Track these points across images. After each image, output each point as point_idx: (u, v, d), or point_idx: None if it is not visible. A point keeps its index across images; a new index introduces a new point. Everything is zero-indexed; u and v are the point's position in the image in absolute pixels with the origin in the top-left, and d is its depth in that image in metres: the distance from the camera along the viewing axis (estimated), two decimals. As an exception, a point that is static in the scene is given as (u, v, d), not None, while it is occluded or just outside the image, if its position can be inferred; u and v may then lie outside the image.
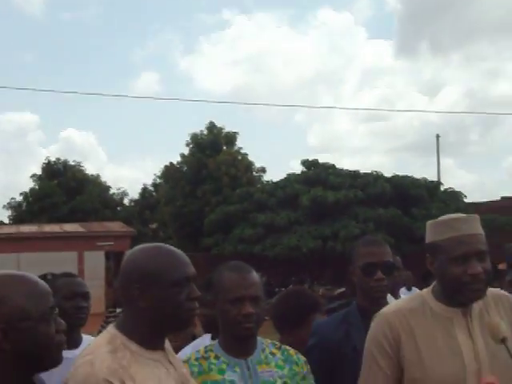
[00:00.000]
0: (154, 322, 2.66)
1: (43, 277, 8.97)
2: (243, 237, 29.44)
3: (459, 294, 3.00)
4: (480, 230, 3.07)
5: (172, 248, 2.75)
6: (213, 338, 4.21)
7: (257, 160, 46.55)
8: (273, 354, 3.29)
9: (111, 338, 2.67)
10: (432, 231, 3.11)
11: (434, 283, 3.17)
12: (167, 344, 2.82)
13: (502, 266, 11.16)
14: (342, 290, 24.08)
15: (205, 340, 4.38)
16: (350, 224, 27.56)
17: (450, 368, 2.97)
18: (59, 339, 2.43)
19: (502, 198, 33.45)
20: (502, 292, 3.31)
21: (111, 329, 2.73)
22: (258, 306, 3.19)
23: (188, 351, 3.97)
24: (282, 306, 4.30)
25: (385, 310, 3.18)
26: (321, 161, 31.52)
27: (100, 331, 7.98)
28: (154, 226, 41.64)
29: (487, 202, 32.84)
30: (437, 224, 3.11)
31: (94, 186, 41.27)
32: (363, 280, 3.89)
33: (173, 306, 2.64)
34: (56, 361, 2.45)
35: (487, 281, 3.04)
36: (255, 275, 3.26)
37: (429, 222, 3.17)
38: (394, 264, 3.92)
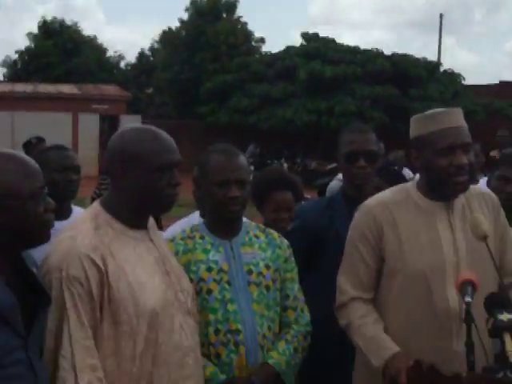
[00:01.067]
0: (135, 202, 2.74)
1: (28, 143, 9.01)
2: (239, 107, 29.31)
3: (444, 186, 3.05)
4: (464, 123, 3.10)
5: (160, 133, 2.78)
6: (201, 216, 4.27)
7: (256, 30, 45.90)
8: (257, 236, 3.36)
9: (95, 215, 2.74)
10: (416, 126, 3.14)
11: (419, 177, 3.21)
12: (151, 222, 2.89)
13: (493, 154, 11.17)
14: (334, 165, 24.23)
15: (194, 216, 4.44)
16: (346, 100, 27.40)
17: (430, 260, 3.05)
18: (47, 218, 2.48)
19: (501, 82, 33.17)
20: (487, 190, 3.36)
21: (96, 205, 2.79)
22: (244, 189, 3.24)
23: (176, 228, 4.03)
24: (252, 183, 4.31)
25: (369, 201, 3.24)
26: (321, 34, 31.04)
27: (93, 198, 8.10)
28: (149, 90, 41.36)
29: (485, 86, 32.59)
30: (421, 118, 3.14)
31: (91, 48, 40.70)
32: (346, 167, 3.94)
33: (153, 190, 2.71)
34: (44, 238, 2.50)
35: (472, 173, 3.10)
36: (243, 159, 3.29)
37: (413, 117, 3.19)
38: (378, 152, 3.94)
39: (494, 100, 29.08)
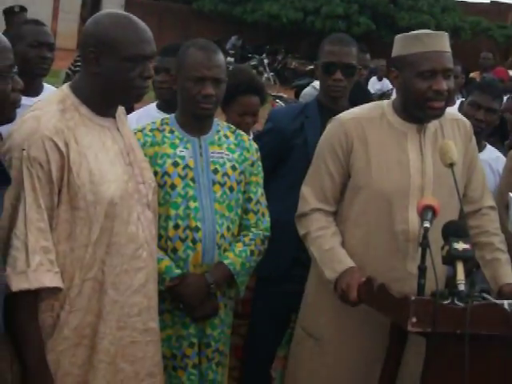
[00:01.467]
0: (104, 90, 2.68)
1: (10, 10, 8.76)
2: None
3: (420, 110, 3.03)
4: (448, 48, 3.06)
5: (137, 22, 2.71)
6: (158, 107, 4.22)
7: None
8: (226, 136, 3.34)
9: (63, 98, 2.69)
10: (400, 44, 3.09)
11: (395, 96, 3.19)
12: (120, 112, 2.85)
13: (474, 75, 11.09)
14: (313, 67, 24.00)
15: (150, 107, 4.35)
16: (334, 1, 26.98)
17: (395, 181, 3.06)
18: (14, 97, 2.44)
19: (492, 1, 32.82)
20: (461, 116, 3.34)
21: (65, 88, 2.74)
22: (219, 88, 3.20)
23: (132, 117, 3.97)
24: None
25: (343, 115, 3.21)
26: None
27: (67, 74, 7.98)
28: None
29: (476, 4, 32.24)
30: (406, 37, 3.09)
31: None
32: (323, 77, 3.90)
33: (123, 79, 2.66)
34: (10, 117, 2.47)
35: (449, 99, 3.08)
36: (221, 57, 3.24)
37: (397, 36, 3.14)
38: (355, 66, 3.86)
39: (482, 19, 28.80)
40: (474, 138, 3.28)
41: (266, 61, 25.69)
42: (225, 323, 3.34)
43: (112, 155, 2.71)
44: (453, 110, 3.48)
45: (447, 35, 3.09)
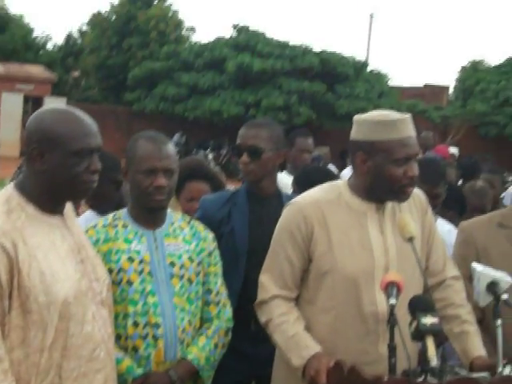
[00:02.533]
0: (50, 187, 2.62)
1: None
2: (166, 95, 29.03)
3: (394, 194, 3.02)
4: (414, 131, 3.07)
5: (81, 116, 2.67)
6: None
7: (187, 19, 45.68)
8: (181, 228, 3.29)
9: (8, 198, 2.61)
10: (368, 129, 3.02)
11: (353, 177, 3.14)
12: (68, 209, 2.78)
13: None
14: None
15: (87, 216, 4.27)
16: (273, 94, 27.43)
17: (360, 261, 3.01)
18: None
19: (426, 85, 33.75)
20: (415, 190, 3.33)
21: (10, 188, 2.67)
22: (171, 178, 3.16)
23: (87, 215, 3.91)
24: None
25: (300, 199, 3.16)
26: (252, 27, 30.97)
27: (13, 179, 7.87)
28: (76, 73, 40.68)
29: (411, 88, 33.12)
30: (375, 123, 3.02)
31: (17, 27, 39.77)
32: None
33: (69, 175, 2.60)
34: None
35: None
36: (171, 147, 3.21)
37: (361, 118, 3.08)
38: (260, 149, 3.73)
39: (419, 102, 29.55)
40: (430, 210, 3.27)
41: (210, 156, 25.88)
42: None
43: (63, 254, 2.63)
44: None
45: (411, 119, 3.08)
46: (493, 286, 2.85)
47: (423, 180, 4.08)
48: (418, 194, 3.27)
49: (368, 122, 3.04)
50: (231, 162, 26.29)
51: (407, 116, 3.06)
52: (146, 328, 3.07)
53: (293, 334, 2.99)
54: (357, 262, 3.01)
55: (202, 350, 3.16)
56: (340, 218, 3.07)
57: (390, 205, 3.10)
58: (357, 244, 3.04)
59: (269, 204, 3.71)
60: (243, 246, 3.66)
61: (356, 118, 3.10)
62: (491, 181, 6.33)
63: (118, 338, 3.00)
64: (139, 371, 3.04)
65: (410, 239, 2.86)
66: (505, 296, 2.80)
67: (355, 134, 3.07)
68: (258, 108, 27.35)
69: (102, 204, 4.08)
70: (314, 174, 4.46)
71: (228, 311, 3.32)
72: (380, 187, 3.03)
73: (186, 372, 3.10)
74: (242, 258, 3.63)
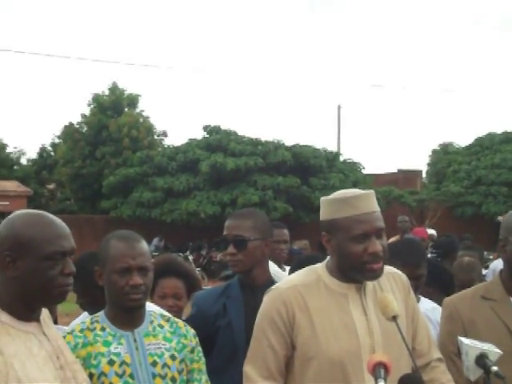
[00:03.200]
0: (24, 293, 2.56)
1: None
2: (142, 200, 29.13)
3: (359, 273, 2.98)
4: (377, 207, 3.04)
5: (52, 218, 2.63)
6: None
7: (158, 123, 46.19)
8: (161, 326, 3.22)
9: None
10: (329, 208, 3.05)
11: (328, 259, 3.13)
12: (44, 314, 2.71)
13: (394, 239, 11.33)
14: (239, 256, 24.20)
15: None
16: (248, 191, 27.60)
17: (345, 344, 2.95)
18: None
19: (399, 170, 34.15)
20: (395, 270, 3.30)
21: None
22: (147, 276, 3.11)
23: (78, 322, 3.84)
24: None
25: (279, 285, 3.13)
26: (223, 127, 31.37)
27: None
28: (51, 186, 40.79)
29: (384, 174, 33.48)
30: (334, 201, 3.05)
31: (-11, 144, 40.06)
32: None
33: (43, 280, 2.55)
34: None
35: (386, 258, 3.03)
36: (144, 245, 3.18)
37: (324, 199, 3.11)
38: (245, 238, 3.78)
39: (393, 188, 29.82)
40: (411, 291, 3.24)
41: (190, 257, 25.77)
42: None
43: (40, 361, 2.55)
44: None
45: (374, 193, 3.08)
46: (482, 359, 2.79)
47: (404, 263, 4.06)
48: (399, 274, 3.24)
49: (328, 202, 3.07)
50: (212, 262, 26.22)
51: (366, 192, 3.06)
52: None
53: None
54: (342, 344, 2.95)
55: None
56: (321, 301, 3.02)
57: (371, 285, 3.06)
58: (340, 326, 2.98)
59: (263, 293, 3.68)
60: (241, 337, 3.63)
61: (321, 199, 3.11)
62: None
63: None
64: None
65: (394, 318, 2.81)
66: (495, 368, 2.74)
67: (321, 215, 3.09)
68: (234, 206, 27.42)
69: (95, 308, 4.01)
70: (309, 262, 4.43)
71: None
72: (344, 266, 3.01)
73: None
74: (241, 349, 3.56)
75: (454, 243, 8.06)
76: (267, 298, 3.11)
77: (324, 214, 3.07)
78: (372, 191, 3.09)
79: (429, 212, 31.09)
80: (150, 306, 3.84)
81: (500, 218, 25.93)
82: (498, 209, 29.75)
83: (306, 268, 3.19)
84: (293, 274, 3.19)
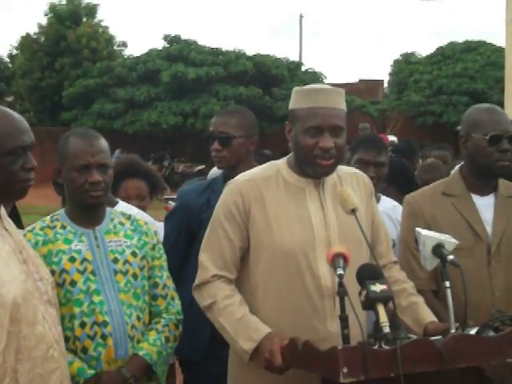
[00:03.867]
0: None
1: None
2: (103, 112, 28.85)
3: (308, 166, 2.98)
4: (340, 105, 3.01)
5: (10, 114, 2.60)
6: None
7: (118, 34, 45.43)
8: (122, 223, 3.23)
9: None
10: (294, 98, 3.05)
11: (291, 154, 3.12)
12: (3, 211, 2.69)
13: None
14: (202, 167, 24.20)
15: None
16: (210, 101, 27.43)
17: (300, 237, 2.96)
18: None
19: (360, 80, 34.07)
20: (360, 172, 3.30)
21: None
22: (107, 173, 3.10)
23: None
24: None
25: (238, 177, 3.13)
26: (183, 36, 30.93)
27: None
28: (9, 99, 40.15)
29: (346, 84, 33.37)
30: (299, 92, 3.05)
31: None
32: None
33: (5, 174, 2.53)
34: None
35: (339, 157, 3.02)
36: (103, 142, 3.16)
37: (294, 89, 3.11)
38: (229, 135, 3.84)
39: (355, 98, 29.78)
40: (373, 194, 3.25)
41: (153, 168, 25.71)
42: (149, 417, 3.15)
43: (5, 255, 2.54)
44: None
45: (341, 92, 3.05)
46: (438, 249, 2.83)
47: (367, 149, 4.08)
48: (363, 176, 3.24)
49: (295, 92, 3.08)
50: (174, 173, 26.20)
51: (330, 87, 3.04)
52: (94, 327, 3.00)
53: (240, 317, 2.91)
54: (296, 236, 2.96)
55: (153, 345, 3.09)
56: (277, 194, 3.03)
57: (331, 181, 3.07)
58: (295, 218, 2.99)
59: None
60: None
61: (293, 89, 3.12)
62: (443, 157, 6.41)
63: (66, 340, 2.90)
64: (91, 372, 2.97)
65: (353, 211, 2.82)
66: (451, 257, 2.79)
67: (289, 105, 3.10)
68: (196, 116, 27.34)
69: None
70: None
71: (176, 304, 3.27)
72: (298, 158, 3.02)
73: (138, 368, 3.03)
74: None
75: (413, 147, 8.12)
76: (225, 190, 3.12)
77: (290, 104, 3.07)
78: (340, 89, 3.06)
79: (390, 121, 31.21)
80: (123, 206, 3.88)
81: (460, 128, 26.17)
82: (458, 118, 29.84)
83: (268, 163, 3.19)
84: (254, 168, 3.19)
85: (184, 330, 3.29)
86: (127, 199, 4.09)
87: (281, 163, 3.12)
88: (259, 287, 3.01)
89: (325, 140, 2.92)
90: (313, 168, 2.98)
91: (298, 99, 3.03)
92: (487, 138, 3.44)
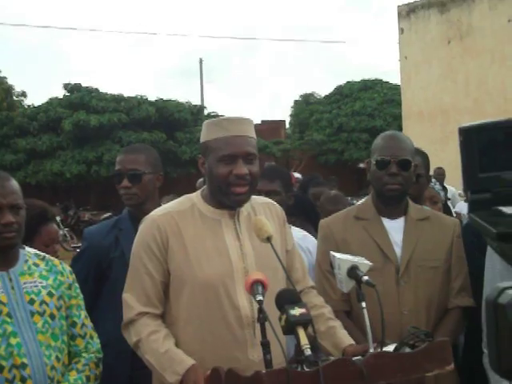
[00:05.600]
0: None
1: None
2: (3, 164, 28.22)
3: (224, 195, 3.02)
4: (251, 133, 3.08)
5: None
6: None
7: (17, 84, 44.74)
8: (36, 264, 3.19)
9: None
10: (205, 131, 3.10)
11: (204, 187, 3.16)
12: None
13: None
14: (108, 214, 23.88)
15: None
16: (113, 148, 27.26)
17: (217, 267, 2.99)
18: None
19: (263, 121, 34.47)
20: (272, 201, 3.36)
21: None
22: (19, 214, 3.06)
23: None
24: None
25: (153, 213, 3.14)
26: (84, 84, 30.74)
27: None
28: None
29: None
30: (210, 124, 3.11)
31: None
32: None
33: None
34: None
35: (254, 184, 3.08)
36: (15, 183, 3.13)
37: (204, 122, 3.17)
38: (139, 172, 3.89)
39: (259, 139, 30.07)
40: (286, 223, 3.32)
41: (58, 218, 25.28)
42: None
43: None
44: None
45: (250, 121, 3.12)
46: (353, 270, 2.89)
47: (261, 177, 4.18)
48: (275, 206, 3.31)
49: (205, 125, 3.14)
50: (80, 222, 25.84)
51: (240, 117, 3.11)
52: (12, 370, 2.93)
53: (164, 351, 2.92)
54: (214, 268, 2.99)
55: None
56: (194, 228, 3.06)
57: (245, 212, 3.12)
58: (213, 251, 3.03)
59: None
60: None
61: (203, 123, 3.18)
62: (318, 193, 6.48)
63: (-17, 385, 2.85)
64: (10, 417, 2.90)
65: (268, 239, 2.86)
66: (365, 277, 2.86)
67: (200, 138, 3.15)
68: (99, 164, 27.12)
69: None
70: None
71: (96, 342, 3.24)
72: (214, 189, 3.06)
73: None
74: None
75: (308, 180, 8.19)
76: (142, 226, 3.13)
77: (201, 137, 3.12)
78: (249, 119, 3.13)
79: (294, 161, 31.65)
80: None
81: (361, 165, 26.76)
82: (359, 155, 30.61)
83: (182, 197, 3.22)
84: (168, 203, 3.21)
85: (103, 370, 3.26)
86: (49, 245, 3.97)
87: (195, 196, 3.16)
88: (180, 319, 3.02)
89: (239, 167, 2.98)
90: (228, 197, 3.02)
91: (209, 131, 3.07)
92: (375, 162, 3.58)
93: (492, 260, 3.16)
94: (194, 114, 30.45)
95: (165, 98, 30.34)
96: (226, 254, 3.03)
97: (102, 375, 3.25)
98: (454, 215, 7.17)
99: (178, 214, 3.08)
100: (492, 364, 1.18)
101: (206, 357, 2.93)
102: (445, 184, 10.59)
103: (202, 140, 3.12)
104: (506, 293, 1.12)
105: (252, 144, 3.06)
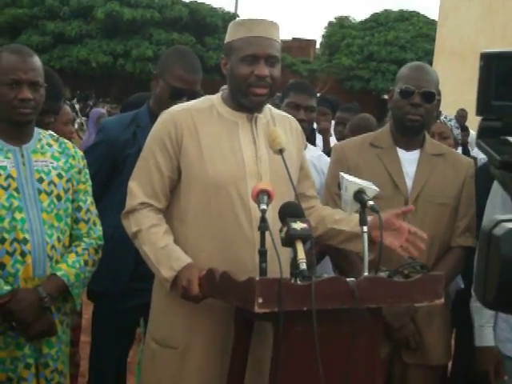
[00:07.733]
0: None
1: None
2: (30, 44, 28.10)
3: (244, 96, 3.00)
4: (275, 36, 3.04)
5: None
6: None
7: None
8: (50, 144, 3.21)
9: None
10: (230, 31, 3.08)
11: (225, 89, 3.16)
12: None
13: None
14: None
15: None
16: (143, 44, 27.14)
17: (231, 167, 2.99)
18: None
19: (294, 38, 34.12)
20: (292, 117, 3.35)
21: None
22: (38, 91, 3.06)
23: None
24: None
25: (173, 107, 3.12)
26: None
27: None
28: None
29: (279, 40, 33.40)
30: (234, 24, 3.10)
31: None
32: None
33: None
34: None
35: (273, 87, 3.05)
36: (37, 60, 3.12)
37: (230, 23, 3.15)
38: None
39: (287, 55, 29.85)
40: (304, 140, 3.32)
41: (77, 106, 25.33)
42: (62, 341, 3.19)
43: None
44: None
45: (276, 24, 3.08)
46: (359, 194, 2.90)
47: (298, 93, 4.17)
48: (295, 121, 3.30)
49: (230, 25, 3.12)
50: (99, 113, 25.88)
51: (266, 19, 3.07)
52: (14, 244, 2.99)
53: (163, 246, 2.94)
54: (227, 167, 3.00)
55: (72, 267, 3.11)
56: (211, 127, 3.05)
57: (264, 119, 3.10)
58: (227, 151, 3.02)
59: None
60: None
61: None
62: (346, 118, 6.50)
63: (-16, 254, 2.91)
64: (7, 288, 2.96)
65: (280, 151, 2.86)
66: (371, 202, 2.87)
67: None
68: (127, 58, 27.00)
69: None
70: None
71: (98, 229, 3.28)
72: (234, 89, 3.04)
73: (55, 288, 3.05)
74: None
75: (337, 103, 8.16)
76: (159, 119, 3.11)
77: (226, 38, 3.10)
78: (275, 22, 3.09)
79: (319, 83, 31.42)
80: None
81: (386, 96, 26.55)
82: (385, 85, 30.33)
83: (204, 97, 3.22)
84: (188, 102, 3.20)
85: (105, 263, 3.32)
86: (67, 124, 3.99)
87: (215, 98, 3.15)
88: (189, 214, 3.02)
89: (260, 68, 2.96)
90: (247, 97, 3.00)
91: (233, 31, 3.06)
92: (399, 91, 3.55)
93: (494, 192, 3.18)
94: (226, 21, 30.03)
95: (199, 1, 29.98)
96: (241, 156, 3.02)
97: (105, 269, 3.30)
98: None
99: (197, 111, 3.07)
100: (477, 293, 1.20)
101: (214, 254, 2.96)
102: (468, 126, 10.53)
103: (226, 41, 3.09)
104: (501, 225, 1.13)
105: (275, 47, 3.03)
